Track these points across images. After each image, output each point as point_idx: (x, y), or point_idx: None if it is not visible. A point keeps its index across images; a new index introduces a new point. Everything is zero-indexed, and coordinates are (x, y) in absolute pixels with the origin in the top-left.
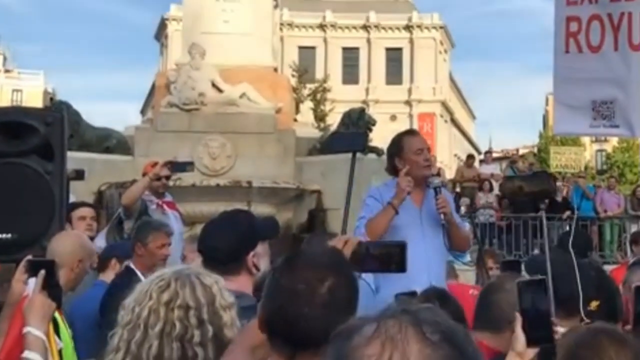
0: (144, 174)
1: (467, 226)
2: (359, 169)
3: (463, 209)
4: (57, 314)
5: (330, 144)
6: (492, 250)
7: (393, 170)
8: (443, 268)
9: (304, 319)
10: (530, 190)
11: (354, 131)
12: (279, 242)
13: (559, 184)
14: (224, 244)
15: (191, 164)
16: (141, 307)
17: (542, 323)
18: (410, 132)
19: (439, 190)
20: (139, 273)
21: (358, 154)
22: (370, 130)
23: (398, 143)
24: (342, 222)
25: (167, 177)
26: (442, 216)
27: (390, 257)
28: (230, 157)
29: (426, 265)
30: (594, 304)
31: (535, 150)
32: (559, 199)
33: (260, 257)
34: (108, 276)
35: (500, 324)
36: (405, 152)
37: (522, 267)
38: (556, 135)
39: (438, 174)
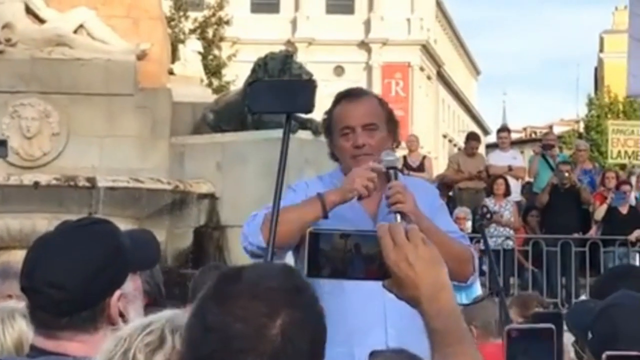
0: None
1: (466, 238)
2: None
3: (469, 228)
4: None
5: (240, 105)
6: (528, 295)
7: (333, 155)
8: (413, 315)
9: None
10: None
11: (290, 79)
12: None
13: (625, 187)
14: (70, 279)
15: (2, 144)
16: None
17: None
18: (345, 95)
19: (392, 175)
20: None
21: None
22: None
23: (330, 111)
24: (270, 241)
25: None
26: (397, 217)
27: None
28: (57, 135)
29: (382, 311)
30: None
31: (582, 127)
32: (622, 209)
33: (131, 300)
34: None
35: None
36: (333, 130)
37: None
38: (631, 96)
39: (418, 168)
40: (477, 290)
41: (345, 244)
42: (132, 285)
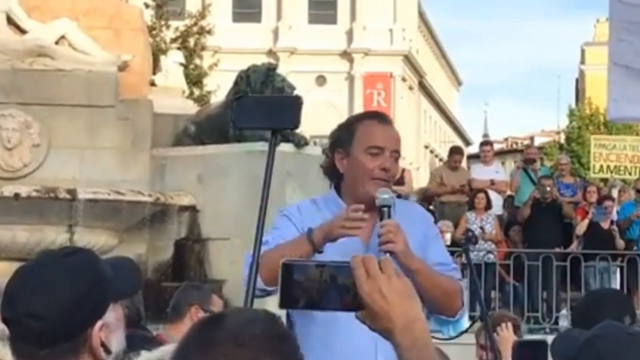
0: None
1: (458, 269)
2: (262, 169)
3: (447, 240)
4: None
5: (222, 117)
6: (505, 314)
7: (330, 172)
8: None
9: None
10: None
11: (276, 95)
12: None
13: (607, 202)
14: (49, 309)
15: None
16: None
17: None
18: (374, 116)
19: (386, 213)
20: None
21: (266, 138)
22: None
23: (349, 128)
24: (252, 261)
25: None
26: (387, 256)
27: None
28: (38, 146)
29: (372, 340)
30: None
31: (562, 139)
32: (604, 224)
33: (113, 330)
34: None
35: None
36: (354, 145)
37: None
38: (612, 121)
39: (398, 181)
40: (465, 323)
41: (320, 275)
42: (114, 314)
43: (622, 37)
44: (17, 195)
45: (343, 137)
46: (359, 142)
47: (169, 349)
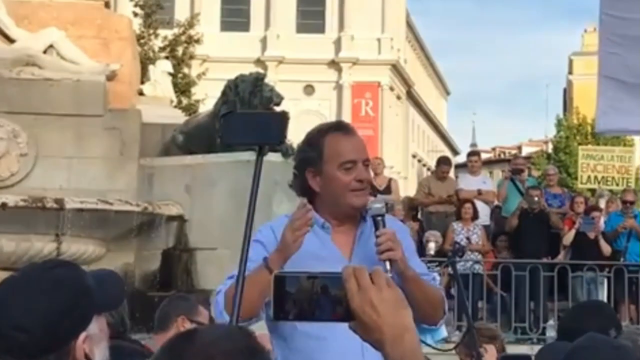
0: None
1: (437, 280)
2: (250, 179)
3: (432, 249)
4: None
5: (210, 127)
6: (486, 327)
7: (304, 191)
8: None
9: None
10: None
11: (262, 111)
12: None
13: (594, 213)
14: (33, 321)
15: None
16: None
17: None
18: (339, 128)
19: (380, 222)
20: None
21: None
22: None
23: (316, 144)
24: (238, 271)
25: None
26: (386, 265)
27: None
28: (25, 156)
29: (359, 352)
30: None
31: (550, 148)
32: (591, 234)
33: (96, 341)
34: None
35: None
36: (325, 162)
37: None
38: (601, 134)
39: (384, 190)
40: (443, 331)
41: (312, 286)
42: (97, 326)
43: (612, 50)
44: (4, 205)
45: (311, 155)
46: (330, 159)
47: None
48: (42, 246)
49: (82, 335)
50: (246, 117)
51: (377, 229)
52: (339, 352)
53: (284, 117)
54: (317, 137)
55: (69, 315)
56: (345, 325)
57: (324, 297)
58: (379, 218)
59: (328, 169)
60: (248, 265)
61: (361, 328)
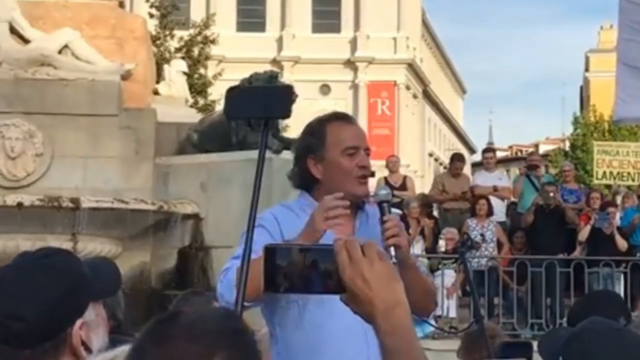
0: None
1: (424, 271)
2: (267, 175)
3: (442, 246)
4: None
5: (225, 125)
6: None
7: (304, 180)
8: None
9: None
10: None
11: (267, 85)
12: (127, 303)
13: (610, 208)
14: (29, 310)
15: None
16: None
17: None
18: (340, 117)
19: (386, 209)
20: None
21: (269, 145)
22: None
23: (318, 132)
24: (241, 265)
25: None
26: (392, 251)
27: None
28: (41, 156)
29: (363, 340)
30: None
31: (567, 146)
32: (606, 230)
33: (93, 328)
34: None
35: None
36: (328, 149)
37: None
38: (619, 121)
39: (400, 188)
40: (430, 326)
41: (304, 259)
42: (94, 313)
43: (630, 37)
44: (20, 205)
45: (313, 143)
46: (333, 145)
47: (124, 348)
48: (58, 245)
49: (79, 322)
50: (251, 90)
51: (383, 214)
52: (341, 338)
53: (289, 91)
54: (318, 126)
55: (65, 302)
56: (347, 311)
57: (315, 270)
58: (385, 204)
59: (331, 155)
60: (253, 248)
61: (352, 301)
